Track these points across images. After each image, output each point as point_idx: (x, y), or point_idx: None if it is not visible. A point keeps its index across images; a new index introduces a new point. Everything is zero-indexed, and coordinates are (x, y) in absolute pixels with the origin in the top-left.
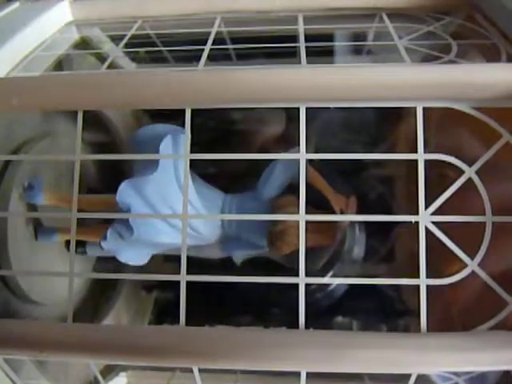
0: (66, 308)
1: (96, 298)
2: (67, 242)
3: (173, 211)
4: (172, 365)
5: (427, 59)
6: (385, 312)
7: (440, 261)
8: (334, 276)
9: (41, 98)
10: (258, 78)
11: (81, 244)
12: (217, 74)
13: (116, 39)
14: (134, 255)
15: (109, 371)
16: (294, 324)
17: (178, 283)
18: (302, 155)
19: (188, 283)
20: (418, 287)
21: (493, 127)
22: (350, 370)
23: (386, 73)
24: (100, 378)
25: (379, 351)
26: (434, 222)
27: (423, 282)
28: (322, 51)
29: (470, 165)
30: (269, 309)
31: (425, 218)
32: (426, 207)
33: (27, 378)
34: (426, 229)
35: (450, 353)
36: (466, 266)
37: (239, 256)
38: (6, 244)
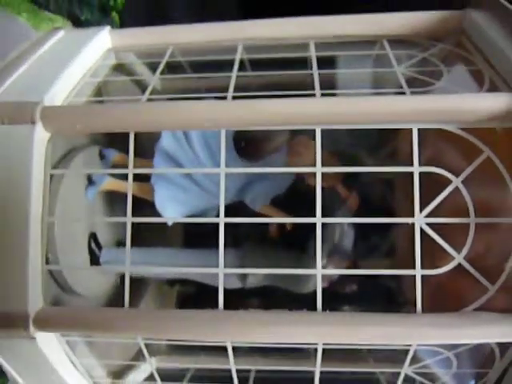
0: (102, 300)
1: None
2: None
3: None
4: (212, 340)
5: (422, 84)
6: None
7: (435, 253)
8: (325, 264)
9: (101, 123)
10: (282, 107)
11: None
12: (247, 104)
13: (149, 63)
14: (169, 194)
15: (139, 355)
16: None
17: None
18: (318, 169)
19: None
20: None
21: (475, 144)
22: (359, 343)
23: (388, 102)
24: (145, 351)
25: (385, 328)
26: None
27: (418, 272)
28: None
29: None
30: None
31: (420, 220)
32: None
33: (81, 357)
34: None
35: (442, 328)
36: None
37: (261, 200)
38: (55, 244)
